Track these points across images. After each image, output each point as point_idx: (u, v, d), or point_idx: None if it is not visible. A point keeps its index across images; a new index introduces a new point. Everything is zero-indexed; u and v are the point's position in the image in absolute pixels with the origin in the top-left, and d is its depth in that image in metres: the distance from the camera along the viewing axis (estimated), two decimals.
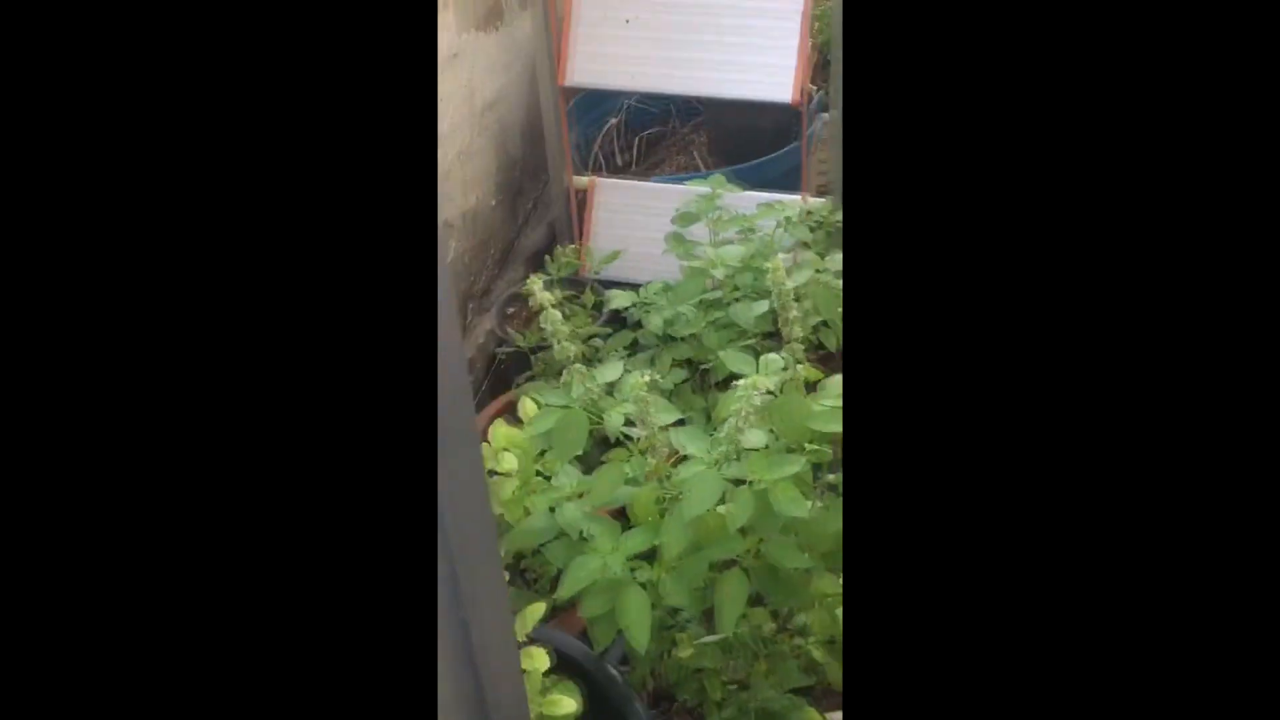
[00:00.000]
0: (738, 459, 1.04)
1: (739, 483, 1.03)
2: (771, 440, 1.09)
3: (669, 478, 1.10)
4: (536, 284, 1.02)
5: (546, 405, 1.12)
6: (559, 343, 1.06)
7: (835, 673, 1.20)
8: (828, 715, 1.21)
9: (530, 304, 1.08)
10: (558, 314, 1.03)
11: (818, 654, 1.20)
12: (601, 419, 1.11)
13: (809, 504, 1.04)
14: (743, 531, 1.07)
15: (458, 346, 0.46)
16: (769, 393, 0.99)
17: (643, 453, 1.11)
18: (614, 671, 1.27)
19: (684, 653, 1.18)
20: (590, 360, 1.45)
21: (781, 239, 1.65)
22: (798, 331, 1.09)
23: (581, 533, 1.14)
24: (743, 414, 0.99)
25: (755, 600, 1.22)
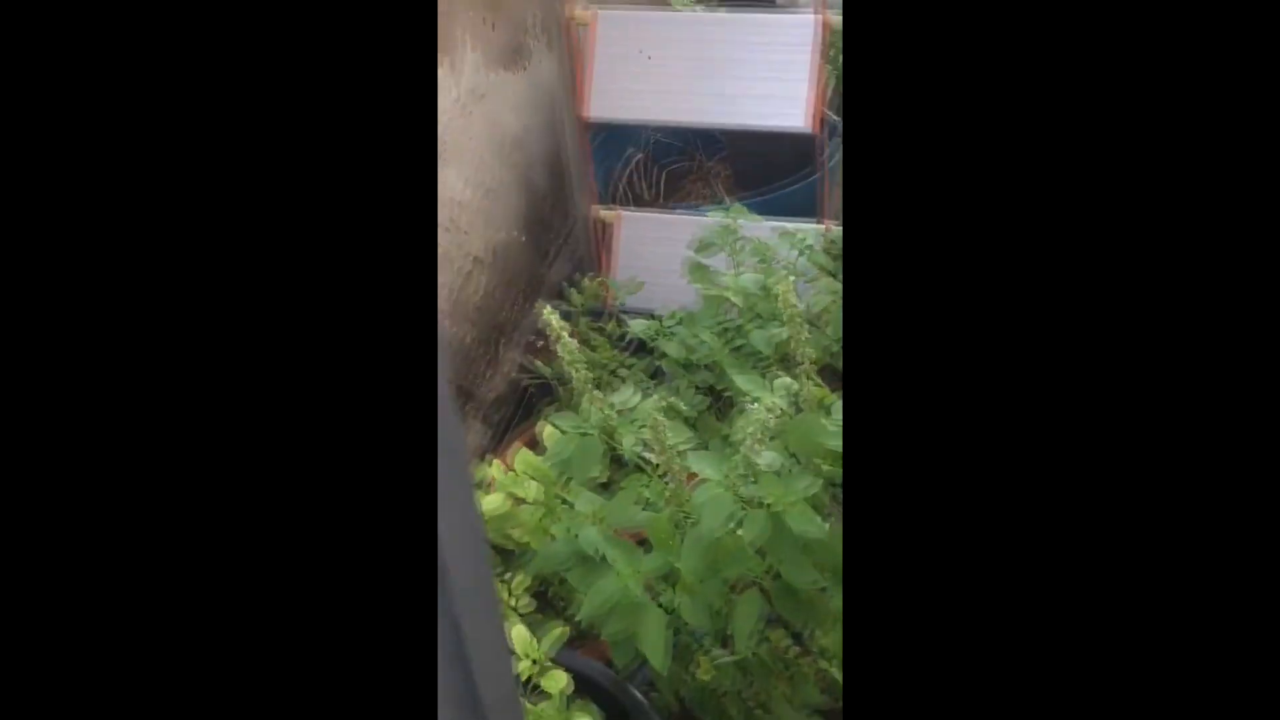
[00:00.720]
0: (753, 480, 1.05)
1: (754, 504, 1.05)
2: (787, 460, 1.10)
3: (687, 500, 1.11)
4: (551, 314, 1.04)
5: (564, 431, 1.15)
6: (574, 369, 1.08)
7: None
8: None
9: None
10: (572, 341, 1.06)
11: (839, 675, 1.20)
12: (618, 443, 1.13)
13: (824, 524, 1.05)
14: (760, 552, 1.09)
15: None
16: (780, 413, 1.01)
17: (660, 476, 1.13)
18: (638, 695, 1.27)
19: (704, 674, 1.19)
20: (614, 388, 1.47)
21: (802, 265, 1.67)
22: (809, 352, 1.10)
23: (602, 556, 1.15)
24: (756, 435, 1.00)
25: (776, 621, 1.23)
